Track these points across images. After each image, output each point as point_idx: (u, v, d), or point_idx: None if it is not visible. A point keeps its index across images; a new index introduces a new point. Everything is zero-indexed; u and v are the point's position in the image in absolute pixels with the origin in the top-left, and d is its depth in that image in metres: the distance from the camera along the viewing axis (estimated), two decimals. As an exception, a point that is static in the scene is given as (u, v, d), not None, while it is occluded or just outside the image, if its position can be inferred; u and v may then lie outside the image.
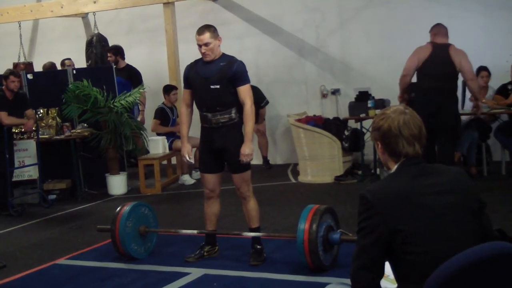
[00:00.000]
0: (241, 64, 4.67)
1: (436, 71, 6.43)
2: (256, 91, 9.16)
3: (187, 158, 4.88)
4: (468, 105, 7.70)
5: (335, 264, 4.49)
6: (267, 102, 9.24)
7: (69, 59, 9.61)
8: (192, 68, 4.82)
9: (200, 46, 4.64)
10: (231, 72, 4.61)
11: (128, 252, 4.97)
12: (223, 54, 4.73)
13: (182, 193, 8.02)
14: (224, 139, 4.70)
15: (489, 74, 7.68)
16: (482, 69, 7.66)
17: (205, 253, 4.94)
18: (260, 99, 9.19)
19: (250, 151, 4.62)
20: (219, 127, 4.70)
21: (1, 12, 10.01)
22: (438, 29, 6.73)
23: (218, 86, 4.63)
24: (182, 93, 5.02)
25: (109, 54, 9.08)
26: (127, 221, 4.95)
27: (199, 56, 4.79)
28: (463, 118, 7.72)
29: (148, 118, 9.04)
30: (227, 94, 4.64)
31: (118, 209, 5.05)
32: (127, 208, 5.02)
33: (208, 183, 4.88)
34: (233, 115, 4.69)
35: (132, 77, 8.96)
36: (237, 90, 4.63)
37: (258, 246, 4.79)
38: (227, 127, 4.70)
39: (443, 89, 6.41)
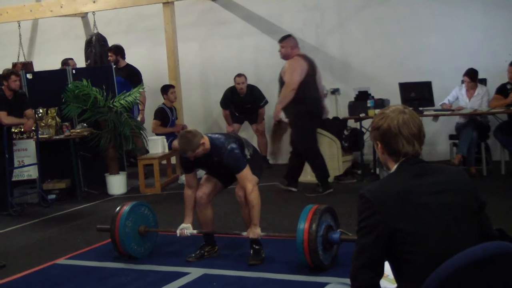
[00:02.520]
0: (230, 154, 4.64)
1: (313, 81, 7.12)
2: (255, 91, 9.21)
3: (183, 233, 4.89)
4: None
5: (334, 263, 4.49)
6: (266, 102, 9.25)
7: (72, 59, 9.59)
8: (189, 160, 4.76)
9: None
10: (226, 165, 4.67)
11: (128, 251, 4.97)
12: (212, 145, 4.68)
13: (181, 192, 7.90)
14: None
15: (471, 80, 7.65)
16: (465, 74, 7.67)
17: (205, 253, 4.96)
18: (259, 99, 9.20)
19: (255, 235, 4.67)
20: None
21: (0, 11, 10.01)
22: (295, 41, 7.22)
23: (223, 171, 4.76)
24: (185, 178, 5.01)
25: (109, 54, 9.08)
26: (126, 220, 4.95)
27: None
28: (460, 118, 7.75)
29: (148, 118, 9.05)
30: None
31: (118, 209, 5.05)
32: (126, 207, 5.02)
33: (205, 186, 4.92)
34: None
35: (132, 76, 8.95)
36: (236, 176, 4.70)
37: (256, 246, 4.79)
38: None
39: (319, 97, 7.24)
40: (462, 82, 7.85)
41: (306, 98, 6.98)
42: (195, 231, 4.91)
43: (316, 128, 7.37)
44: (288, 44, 7.16)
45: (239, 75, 9.09)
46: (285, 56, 7.17)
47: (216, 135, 4.84)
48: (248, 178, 4.66)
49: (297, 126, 7.21)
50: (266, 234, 4.78)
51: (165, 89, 8.75)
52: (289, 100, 7.00)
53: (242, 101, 9.22)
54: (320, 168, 7.23)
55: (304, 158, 7.35)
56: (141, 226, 5.07)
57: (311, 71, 7.12)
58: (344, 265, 4.39)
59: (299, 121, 7.14)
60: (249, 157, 4.79)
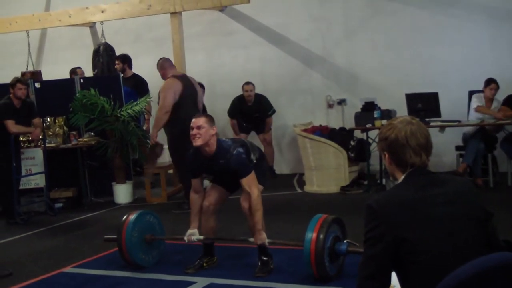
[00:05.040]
0: (237, 158, 4.62)
1: (191, 100, 7.23)
2: (262, 100, 9.22)
3: (190, 239, 4.87)
4: (473, 116, 7.71)
5: (340, 273, 4.49)
6: (274, 111, 9.27)
7: (80, 68, 9.64)
8: (195, 164, 4.80)
9: (192, 129, 4.61)
10: (231, 169, 4.64)
11: (135, 260, 4.98)
12: (218, 146, 4.67)
13: (187, 202, 8.00)
14: None
15: (498, 86, 7.65)
16: (491, 81, 7.64)
17: (204, 264, 4.95)
18: (266, 108, 9.21)
19: (261, 241, 4.64)
20: None
21: (9, 21, 10.08)
22: (169, 63, 7.39)
23: (229, 176, 4.73)
24: (192, 182, 4.95)
25: (116, 62, 9.10)
26: (132, 230, 4.96)
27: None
28: (468, 129, 7.74)
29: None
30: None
31: (124, 218, 5.06)
32: (132, 217, 5.03)
33: (212, 195, 4.93)
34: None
35: (138, 86, 8.97)
36: (240, 182, 4.65)
37: (264, 258, 4.77)
38: None
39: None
40: (472, 92, 7.80)
41: (183, 119, 6.81)
42: (201, 237, 4.89)
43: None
44: (161, 66, 7.30)
45: (247, 83, 9.11)
46: (163, 78, 7.30)
47: (223, 139, 4.86)
48: (253, 183, 4.64)
49: (173, 147, 7.25)
50: (273, 243, 4.76)
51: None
52: (164, 122, 7.08)
53: (250, 110, 9.22)
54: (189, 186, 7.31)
55: (179, 176, 7.47)
56: (147, 235, 5.08)
57: (187, 91, 7.17)
58: (351, 276, 4.38)
59: (173, 142, 7.18)
60: (255, 161, 4.78)
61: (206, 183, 5.27)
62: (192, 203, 4.93)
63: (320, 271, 4.28)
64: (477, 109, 7.61)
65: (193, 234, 4.86)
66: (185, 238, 4.88)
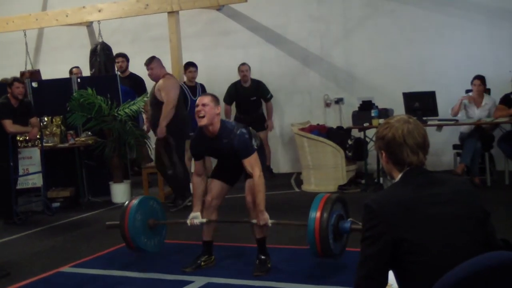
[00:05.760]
0: (240, 138, 4.61)
1: (182, 100, 7.66)
2: (260, 84, 9.22)
3: (193, 222, 4.84)
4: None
5: (343, 253, 4.46)
6: (272, 96, 9.25)
7: (77, 67, 9.63)
8: (198, 145, 4.82)
9: (197, 106, 4.62)
10: (234, 149, 4.62)
11: (138, 245, 4.93)
12: (222, 126, 4.67)
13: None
14: None
15: (482, 83, 7.66)
16: (475, 77, 7.67)
17: (202, 263, 4.93)
18: (264, 92, 9.19)
19: (264, 221, 4.62)
20: None
21: (6, 21, 10.06)
22: (160, 62, 7.52)
23: (232, 158, 4.70)
24: (194, 165, 4.98)
25: (120, 60, 9.03)
26: (136, 213, 4.91)
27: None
28: (465, 128, 7.76)
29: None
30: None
31: (126, 203, 5.02)
32: (135, 201, 4.99)
33: (213, 189, 4.89)
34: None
35: (137, 85, 8.97)
36: (242, 162, 4.62)
37: (263, 257, 4.78)
38: None
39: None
40: (470, 91, 7.83)
41: (177, 118, 7.25)
42: (204, 220, 4.85)
43: (183, 145, 7.44)
44: (155, 65, 7.42)
45: (243, 63, 9.11)
46: (156, 77, 7.39)
47: (227, 120, 4.88)
48: (256, 163, 4.62)
49: (162, 144, 7.35)
50: (277, 223, 4.74)
51: (185, 67, 8.75)
52: (171, 117, 7.23)
53: (246, 93, 9.13)
54: (176, 183, 7.53)
55: (163, 175, 7.63)
56: (150, 220, 5.05)
57: (180, 91, 7.54)
58: (349, 274, 4.38)
59: (167, 139, 7.31)
60: (255, 147, 4.76)
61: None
62: (195, 186, 4.90)
63: (325, 249, 4.26)
64: (497, 115, 7.56)
65: (196, 218, 4.82)
66: (188, 221, 4.85)
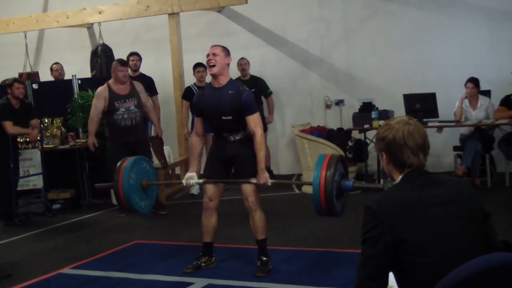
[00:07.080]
0: (249, 94, 4.68)
1: None
2: (259, 79, 9.20)
3: (189, 183, 4.83)
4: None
5: (344, 211, 4.45)
6: (271, 92, 9.25)
7: (57, 63, 9.55)
8: (201, 97, 4.82)
9: (208, 55, 4.66)
10: (239, 103, 4.61)
11: (131, 204, 4.82)
12: (231, 81, 4.74)
13: (186, 203, 8.02)
14: (237, 149, 4.73)
15: (475, 85, 7.66)
16: (468, 80, 7.68)
17: (202, 264, 4.93)
18: (263, 88, 9.18)
19: (264, 180, 4.61)
20: (233, 141, 4.75)
21: (7, 22, 10.07)
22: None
23: (230, 117, 4.66)
24: (194, 122, 4.99)
25: (135, 58, 8.82)
26: (130, 172, 4.81)
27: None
28: (465, 130, 7.76)
29: (164, 128, 8.73)
30: (240, 122, 4.68)
31: (120, 163, 4.89)
32: (130, 160, 4.89)
33: (209, 190, 4.86)
34: (247, 132, 4.73)
35: (148, 85, 8.74)
36: (246, 119, 4.64)
37: (264, 258, 4.78)
38: (241, 140, 4.75)
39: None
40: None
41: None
42: (200, 180, 4.84)
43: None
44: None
45: (242, 58, 9.10)
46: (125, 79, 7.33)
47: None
48: (259, 123, 4.65)
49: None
50: (277, 183, 4.69)
51: (194, 68, 8.71)
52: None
53: (245, 85, 9.08)
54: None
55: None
56: (144, 180, 4.97)
57: None
58: (349, 275, 4.38)
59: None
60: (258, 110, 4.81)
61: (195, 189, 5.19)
62: (193, 146, 4.91)
63: (329, 206, 4.24)
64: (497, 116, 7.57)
65: (191, 178, 4.81)
66: (184, 181, 4.84)
